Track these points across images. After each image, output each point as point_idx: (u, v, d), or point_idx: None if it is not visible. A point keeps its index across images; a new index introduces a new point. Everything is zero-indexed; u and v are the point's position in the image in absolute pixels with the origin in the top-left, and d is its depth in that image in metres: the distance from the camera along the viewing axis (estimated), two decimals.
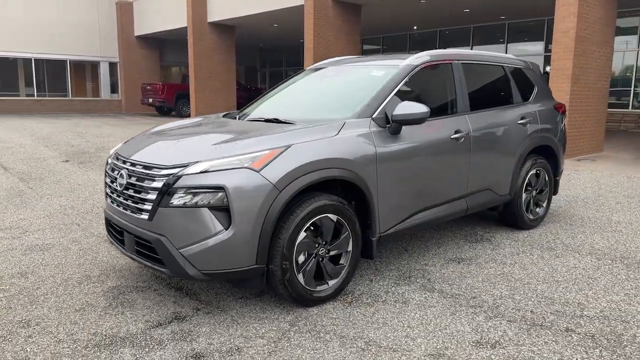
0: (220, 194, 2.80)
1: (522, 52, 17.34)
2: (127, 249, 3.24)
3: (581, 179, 7.69)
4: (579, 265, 3.98)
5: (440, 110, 4.07)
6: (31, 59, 22.84)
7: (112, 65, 25.02)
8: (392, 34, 21.82)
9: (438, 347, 2.73)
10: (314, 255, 3.17)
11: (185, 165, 2.90)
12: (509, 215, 4.80)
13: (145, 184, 2.99)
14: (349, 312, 3.13)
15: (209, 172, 2.84)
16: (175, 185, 2.84)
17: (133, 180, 3.09)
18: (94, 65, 24.80)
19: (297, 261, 3.06)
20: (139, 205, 3.01)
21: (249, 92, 23.10)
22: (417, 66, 3.94)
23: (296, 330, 2.90)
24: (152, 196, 2.92)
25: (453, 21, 18.22)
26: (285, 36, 22.71)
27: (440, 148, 3.88)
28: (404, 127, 3.62)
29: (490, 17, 17.00)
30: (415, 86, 3.93)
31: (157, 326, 2.94)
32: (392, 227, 3.61)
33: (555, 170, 5.16)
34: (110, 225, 3.47)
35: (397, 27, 20.25)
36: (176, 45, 25.23)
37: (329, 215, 3.17)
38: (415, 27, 20.11)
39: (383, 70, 3.93)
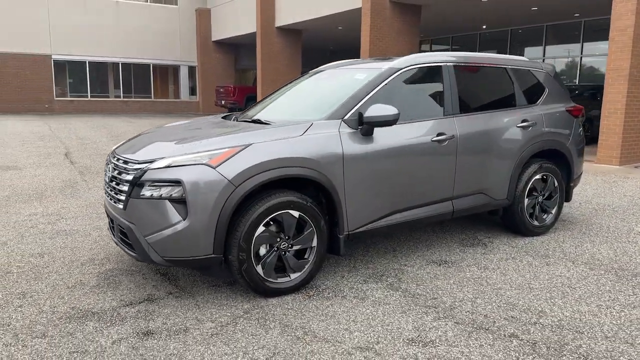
0: (178, 188, 3.08)
1: (602, 52, 16.28)
2: (114, 235, 3.62)
3: (625, 187, 7.21)
4: (566, 274, 3.84)
5: (422, 112, 4.10)
6: (119, 63, 24.80)
7: (191, 69, 26.53)
8: (461, 34, 21.31)
9: (370, 340, 2.82)
10: (275, 248, 3.36)
11: (152, 161, 3.21)
12: (509, 220, 4.70)
13: (122, 176, 3.34)
14: (305, 305, 3.29)
15: (170, 167, 3.13)
16: (142, 179, 3.16)
17: (115, 173, 3.46)
18: (175, 69, 26.44)
19: (256, 253, 3.27)
20: (118, 196, 3.37)
21: None
22: (399, 69, 4.01)
23: (247, 317, 3.11)
24: (126, 188, 3.26)
25: (523, 20, 17.49)
26: (352, 38, 22.90)
27: (418, 150, 3.92)
28: (379, 129, 3.72)
29: (562, 15, 16.14)
30: (397, 89, 4.00)
31: (127, 305, 3.28)
32: (362, 226, 3.72)
33: (569, 176, 4.96)
34: (106, 214, 3.88)
35: (465, 27, 19.77)
36: (249, 49, 26.25)
37: (290, 211, 3.35)
38: (484, 27, 19.51)
39: (365, 74, 4.04)
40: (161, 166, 3.15)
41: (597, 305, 3.31)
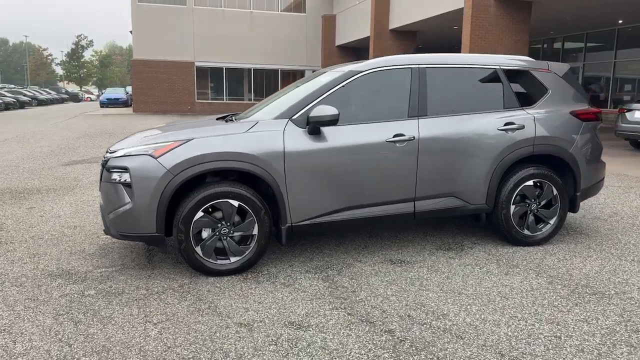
0: (126, 174, 3.67)
1: None
2: None
3: None
4: (515, 285, 3.66)
5: (383, 114, 4.18)
6: (251, 69, 26.98)
7: None
8: (596, 30, 19.34)
9: (255, 319, 3.11)
10: (216, 233, 3.78)
11: (115, 151, 3.85)
12: (493, 227, 4.51)
13: (102, 163, 4.04)
14: (233, 285, 3.66)
15: (124, 156, 3.74)
16: (107, 165, 3.81)
17: (103, 161, 4.17)
18: (300, 73, 27.94)
19: (195, 235, 3.73)
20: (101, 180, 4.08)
21: None
22: (360, 72, 4.15)
23: (176, 289, 3.59)
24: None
25: None
26: None
27: (371, 150, 4.02)
28: (329, 129, 3.94)
29: None
30: (357, 91, 4.15)
31: (97, 268, 3.96)
32: (308, 220, 3.96)
33: (575, 185, 4.58)
34: None
35: (599, 23, 17.94)
36: (367, 53, 26.71)
37: (230, 200, 3.75)
38: (620, 22, 17.50)
39: (329, 76, 4.25)
40: (118, 155, 3.77)
41: (511, 316, 3.16)
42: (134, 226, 3.71)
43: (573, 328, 3.01)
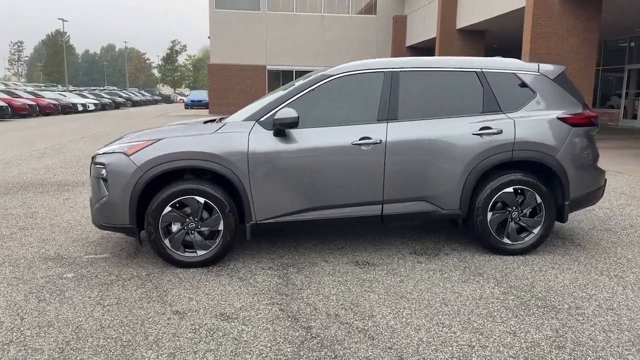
0: (104, 170, 4.04)
1: None
2: None
3: None
4: (465, 293, 3.59)
5: (351, 117, 4.23)
6: None
7: None
8: None
9: (191, 309, 3.33)
10: (184, 227, 4.06)
11: (100, 149, 4.24)
12: (471, 234, 4.39)
13: None
14: (192, 277, 3.90)
15: (104, 154, 4.11)
16: (93, 161, 4.22)
17: (92, 157, 4.58)
18: None
19: (164, 228, 4.03)
20: None
21: None
22: (331, 76, 4.25)
23: (141, 278, 3.90)
24: None
25: None
26: None
27: (335, 152, 4.10)
28: (297, 131, 4.08)
29: None
30: (326, 94, 4.25)
31: (87, 255, 4.39)
32: (272, 218, 4.12)
33: (563, 193, 4.34)
34: None
35: None
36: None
37: (196, 197, 4.00)
38: None
39: (302, 80, 4.38)
40: (100, 152, 4.16)
41: (438, 323, 3.12)
42: (111, 218, 4.08)
43: (494, 339, 2.93)
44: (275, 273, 3.98)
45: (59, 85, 58.51)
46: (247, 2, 26.77)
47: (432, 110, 4.32)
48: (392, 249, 4.55)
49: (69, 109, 31.27)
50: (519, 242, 4.35)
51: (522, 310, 3.31)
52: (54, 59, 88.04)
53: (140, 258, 4.32)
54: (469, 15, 18.81)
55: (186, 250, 4.09)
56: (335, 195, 4.17)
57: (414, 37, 25.53)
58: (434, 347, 2.84)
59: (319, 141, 4.11)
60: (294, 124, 3.96)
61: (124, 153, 4.02)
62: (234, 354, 2.76)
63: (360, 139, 4.12)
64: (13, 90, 29.37)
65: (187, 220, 4.05)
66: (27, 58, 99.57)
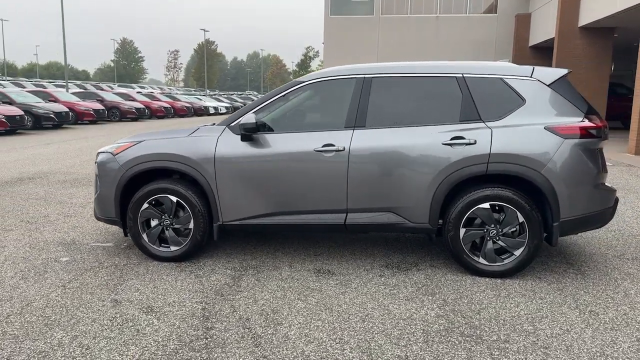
0: (97, 167, 4.52)
1: None
2: None
3: None
4: (395, 311, 3.39)
5: (319, 123, 4.19)
6: None
7: None
8: None
9: (129, 299, 3.60)
10: (160, 223, 4.38)
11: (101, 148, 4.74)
12: (445, 250, 4.09)
13: None
14: (160, 269, 4.19)
15: (100, 153, 4.59)
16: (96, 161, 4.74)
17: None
18: None
19: (142, 223, 4.38)
20: None
21: (623, 101, 19.68)
22: (303, 82, 4.26)
23: (116, 266, 4.29)
24: None
25: None
26: None
27: (297, 158, 4.10)
28: (265, 136, 4.19)
29: None
30: (297, 101, 4.28)
31: (94, 242, 4.92)
32: (237, 220, 4.26)
33: (552, 213, 3.85)
34: None
35: None
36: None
37: (169, 196, 4.30)
38: None
39: (280, 86, 4.44)
40: (98, 152, 4.64)
41: (337, 338, 3.01)
42: (103, 211, 4.54)
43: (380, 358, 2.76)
44: (233, 274, 4.11)
45: (192, 90, 64.20)
46: (361, 7, 27.01)
47: (403, 118, 4.11)
48: (367, 260, 4.41)
49: (201, 112, 34.29)
50: (497, 263, 3.95)
51: (441, 336, 3.04)
52: (204, 65, 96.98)
53: (134, 249, 4.73)
54: (590, 10, 16.96)
55: (162, 245, 4.40)
56: (298, 201, 4.17)
57: (537, 36, 23.65)
58: (300, 354, 2.76)
59: (283, 147, 4.15)
60: (253, 129, 4.06)
61: (111, 153, 4.46)
62: (123, 343, 2.96)
63: (323, 146, 4.07)
64: (152, 94, 33.02)
65: (163, 217, 4.35)
66: (181, 65, 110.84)
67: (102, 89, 34.75)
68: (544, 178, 3.81)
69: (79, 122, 21.84)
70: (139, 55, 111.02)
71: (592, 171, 3.88)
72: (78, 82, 44.49)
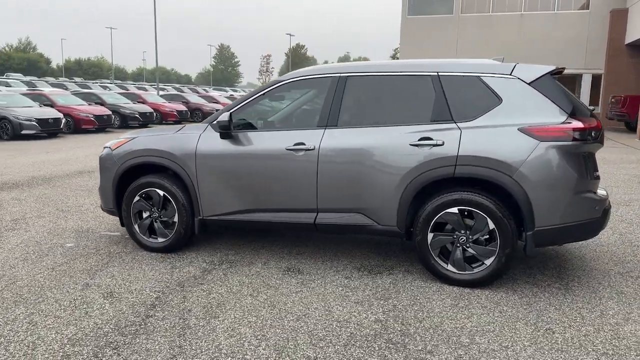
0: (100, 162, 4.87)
1: None
2: None
3: None
4: (333, 313, 3.33)
5: (296, 122, 4.20)
6: None
7: (595, 78, 24.10)
8: None
9: (99, 284, 3.86)
10: (149, 215, 4.63)
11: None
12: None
13: None
14: (145, 259, 4.42)
15: (104, 148, 4.93)
16: None
17: None
18: (572, 78, 24.65)
19: (135, 214, 4.66)
20: None
21: None
22: (282, 81, 4.29)
23: (108, 254, 4.58)
24: None
25: None
26: None
27: (269, 157, 4.14)
28: (244, 134, 4.30)
29: None
30: (275, 99, 4.32)
31: (108, 231, 5.30)
32: (217, 215, 4.38)
33: (525, 221, 3.57)
34: None
35: None
36: None
37: (157, 190, 4.53)
38: None
39: (262, 85, 4.51)
40: (103, 147, 4.99)
41: (253, 334, 3.03)
42: (104, 202, 4.88)
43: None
44: (206, 267, 4.24)
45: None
46: (440, 6, 26.28)
47: (375, 118, 4.01)
48: (343, 261, 4.35)
49: None
50: (467, 272, 3.73)
51: (364, 341, 2.95)
52: (294, 69, 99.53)
53: (125, 243, 5.02)
54: None
55: (151, 236, 4.64)
56: (272, 199, 4.21)
57: (635, 33, 21.60)
58: (194, 353, 2.80)
59: (258, 145, 4.21)
60: (226, 127, 4.17)
61: (110, 148, 4.78)
62: (66, 323, 3.18)
63: (294, 145, 4.08)
64: (233, 96, 34.37)
65: (152, 209, 4.60)
66: (273, 69, 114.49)
67: (196, 91, 37.05)
68: (515, 183, 3.54)
69: (164, 122, 23.36)
70: (235, 60, 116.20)
71: (573, 177, 3.52)
72: (178, 85, 47.68)
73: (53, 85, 32.51)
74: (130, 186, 4.61)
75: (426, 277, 3.95)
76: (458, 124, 3.73)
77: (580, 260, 4.43)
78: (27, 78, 42.73)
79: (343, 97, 4.07)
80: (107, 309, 3.41)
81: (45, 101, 18.27)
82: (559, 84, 3.75)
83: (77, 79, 52.65)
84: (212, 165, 4.31)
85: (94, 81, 48.28)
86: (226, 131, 4.23)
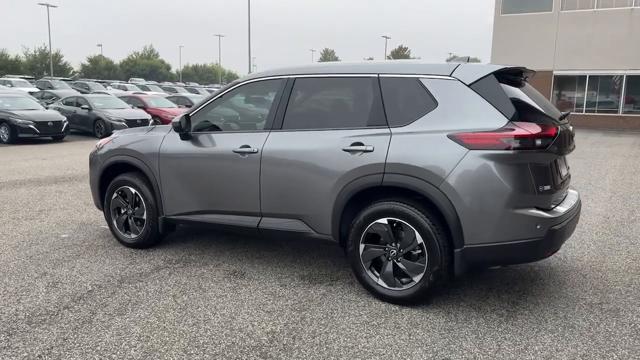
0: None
1: None
2: None
3: None
4: (228, 323, 3.24)
5: (246, 124, 4.16)
6: (623, 75, 22.84)
7: None
8: None
9: (66, 275, 4.12)
10: (125, 212, 4.86)
11: None
12: None
13: None
14: (117, 254, 4.63)
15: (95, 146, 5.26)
16: None
17: None
18: None
19: (113, 210, 4.91)
20: None
21: None
22: (239, 83, 4.29)
23: (91, 247, 4.86)
24: None
25: None
26: None
27: (218, 158, 4.14)
28: (203, 136, 4.36)
29: None
30: (233, 101, 4.31)
31: (104, 224, 5.66)
32: (177, 215, 4.48)
33: (453, 237, 3.21)
34: None
35: None
36: None
37: (130, 187, 4.75)
38: None
39: (221, 87, 4.53)
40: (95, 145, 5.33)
41: (139, 334, 3.04)
42: (93, 197, 5.21)
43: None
44: (160, 264, 4.33)
45: None
46: (537, 3, 24.48)
47: (317, 121, 3.85)
48: (293, 268, 4.22)
49: None
50: (397, 288, 3.44)
51: (239, 352, 2.84)
52: None
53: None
54: None
55: (126, 231, 4.87)
56: (222, 201, 4.21)
57: None
58: (71, 346, 2.87)
59: (210, 147, 4.24)
60: (179, 128, 4.25)
61: (97, 146, 5.09)
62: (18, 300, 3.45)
63: (240, 147, 4.05)
64: None
65: (127, 206, 4.82)
66: None
67: None
68: (442, 195, 3.20)
69: None
70: None
71: (506, 190, 3.10)
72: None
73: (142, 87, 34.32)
74: (110, 184, 4.87)
75: (362, 291, 3.71)
76: (391, 128, 3.46)
77: (556, 285, 3.89)
78: (145, 82, 46.76)
79: (289, 100, 3.96)
80: (40, 297, 3.62)
81: (138, 104, 19.84)
82: (503, 85, 3.31)
83: (191, 84, 56.94)
84: (171, 165, 4.41)
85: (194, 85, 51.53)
86: (181, 132, 4.31)
